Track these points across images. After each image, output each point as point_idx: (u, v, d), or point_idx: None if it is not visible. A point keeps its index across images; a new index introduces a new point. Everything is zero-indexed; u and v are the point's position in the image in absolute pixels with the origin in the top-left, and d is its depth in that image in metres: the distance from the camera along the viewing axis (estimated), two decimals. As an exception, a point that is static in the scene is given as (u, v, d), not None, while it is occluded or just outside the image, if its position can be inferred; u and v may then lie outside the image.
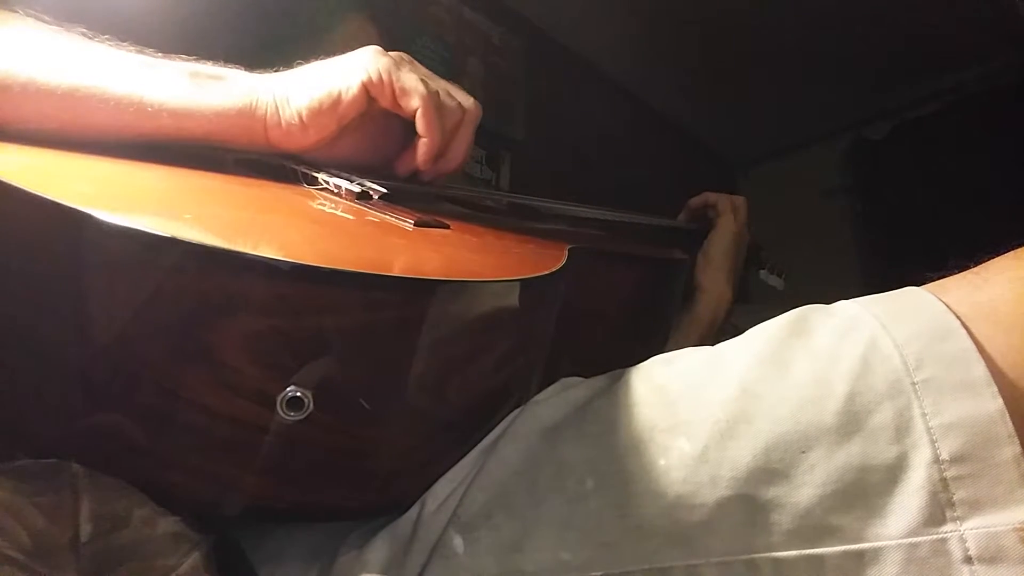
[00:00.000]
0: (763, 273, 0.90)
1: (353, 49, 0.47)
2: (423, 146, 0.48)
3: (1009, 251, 0.32)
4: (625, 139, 1.84)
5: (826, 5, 1.47)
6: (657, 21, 1.58)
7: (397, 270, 0.30)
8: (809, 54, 1.65)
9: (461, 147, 0.52)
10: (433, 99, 0.47)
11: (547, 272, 0.37)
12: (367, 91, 0.45)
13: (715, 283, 0.69)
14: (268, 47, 0.47)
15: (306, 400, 0.27)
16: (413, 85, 0.46)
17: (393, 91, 0.46)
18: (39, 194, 0.26)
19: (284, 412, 0.27)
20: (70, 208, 0.25)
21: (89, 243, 0.26)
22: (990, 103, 1.66)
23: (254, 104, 0.43)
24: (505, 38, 1.50)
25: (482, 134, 0.52)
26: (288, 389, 0.27)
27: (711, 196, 0.80)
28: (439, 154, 0.50)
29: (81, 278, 0.26)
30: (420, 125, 0.47)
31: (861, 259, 1.91)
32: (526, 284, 0.34)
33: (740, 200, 0.78)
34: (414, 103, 0.46)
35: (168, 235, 0.25)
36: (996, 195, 1.52)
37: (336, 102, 0.44)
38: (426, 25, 1.32)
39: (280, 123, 0.43)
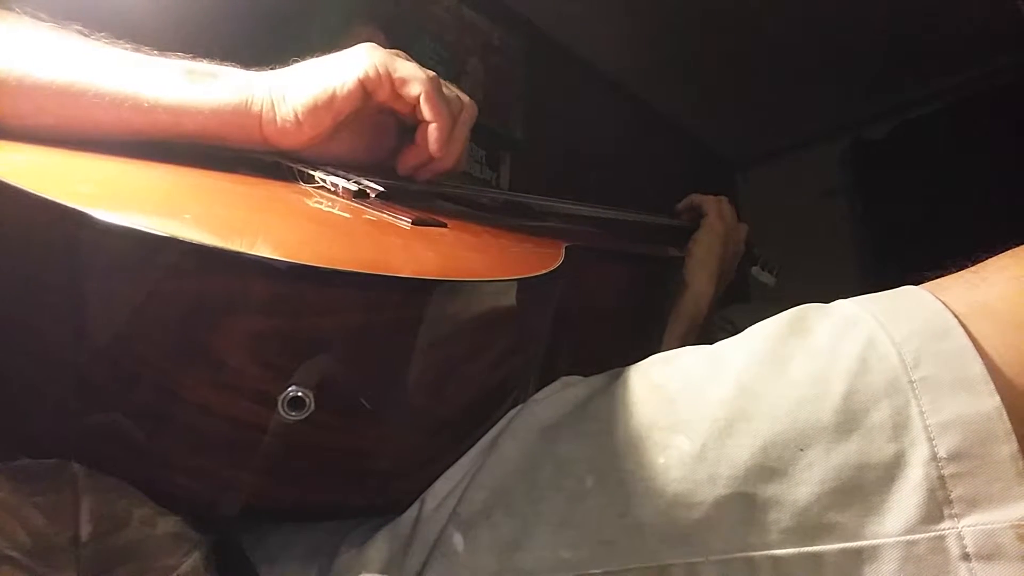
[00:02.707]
0: (755, 270, 0.90)
1: None
2: (434, 131, 0.47)
3: (1007, 250, 0.32)
4: (625, 139, 1.84)
5: (826, 5, 1.47)
6: (657, 21, 1.58)
7: (395, 270, 0.30)
8: (809, 54, 1.65)
9: (460, 141, 0.51)
10: (434, 83, 0.47)
11: (544, 271, 0.37)
12: (363, 87, 0.45)
13: (697, 280, 0.70)
14: (273, 55, 0.47)
15: (307, 400, 0.27)
16: (412, 73, 0.46)
17: (392, 82, 0.46)
18: (39, 194, 0.26)
19: (285, 412, 0.27)
20: (69, 208, 0.25)
21: (88, 243, 0.26)
22: (990, 103, 1.66)
23: (249, 101, 0.43)
24: (505, 38, 1.50)
25: (482, 134, 0.52)
26: (289, 389, 0.27)
27: (696, 198, 0.80)
28: (449, 139, 0.49)
29: (80, 278, 0.27)
30: (426, 110, 0.47)
31: (861, 259, 1.91)
32: (524, 283, 0.34)
33: (724, 200, 0.79)
34: (415, 89, 0.46)
35: (167, 235, 0.25)
36: (995, 195, 1.52)
37: (331, 99, 0.44)
38: (426, 25, 1.32)
39: (275, 120, 0.43)
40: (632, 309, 0.60)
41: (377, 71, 0.45)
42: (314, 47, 0.47)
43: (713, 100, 1.88)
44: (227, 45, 0.46)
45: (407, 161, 0.52)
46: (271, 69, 0.46)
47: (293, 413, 0.27)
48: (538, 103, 1.56)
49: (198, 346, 0.26)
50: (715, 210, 0.76)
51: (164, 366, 0.27)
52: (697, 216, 0.79)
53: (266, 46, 0.48)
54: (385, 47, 0.48)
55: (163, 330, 0.27)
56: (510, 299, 0.34)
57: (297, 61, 0.46)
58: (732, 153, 2.23)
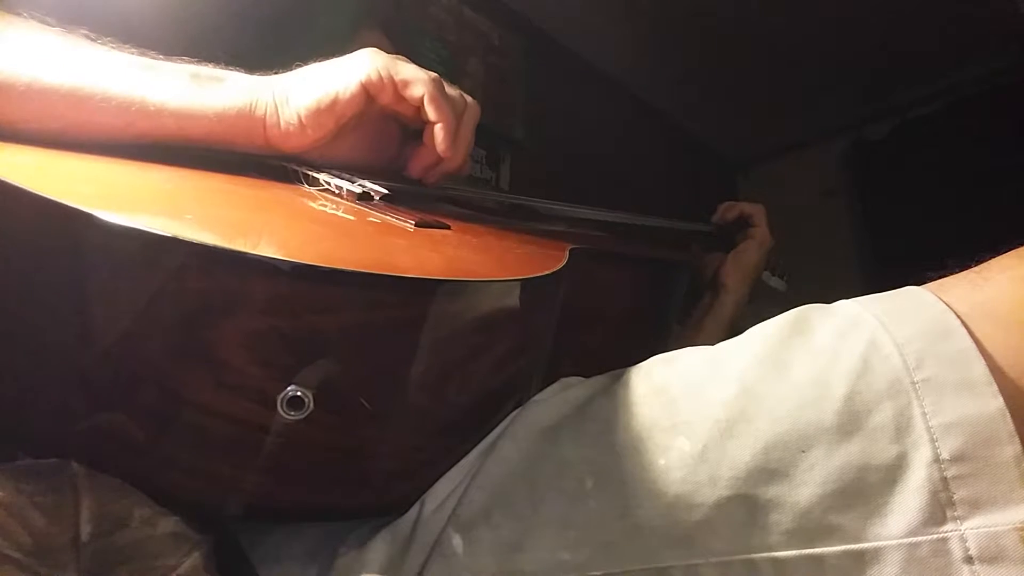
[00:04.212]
0: (766, 274, 0.90)
1: None
2: (440, 131, 0.47)
3: (1010, 250, 0.32)
4: (625, 139, 1.84)
5: (826, 5, 1.47)
6: (657, 21, 1.58)
7: (398, 270, 0.30)
8: (809, 54, 1.65)
9: (465, 139, 0.51)
10: (437, 84, 0.47)
11: (547, 272, 0.37)
12: (365, 91, 0.45)
13: (741, 286, 0.72)
14: (278, 60, 0.47)
15: (307, 400, 0.27)
16: (414, 75, 0.46)
17: (395, 85, 0.46)
18: (41, 194, 0.26)
19: (285, 412, 0.27)
20: (72, 208, 0.25)
21: (91, 243, 0.26)
22: (990, 103, 1.66)
23: (254, 105, 0.43)
24: (505, 38, 1.51)
25: (482, 134, 0.52)
26: (289, 388, 0.27)
27: (746, 207, 0.81)
28: (455, 138, 0.49)
29: (83, 278, 0.26)
30: (431, 110, 0.47)
31: (861, 259, 1.91)
32: (526, 284, 0.34)
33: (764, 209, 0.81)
34: (418, 91, 0.46)
35: (169, 235, 0.25)
36: (996, 195, 1.53)
37: (334, 102, 0.44)
38: (426, 25, 1.32)
39: (279, 123, 0.44)
40: (636, 311, 0.60)
41: (379, 74, 0.45)
42: (319, 52, 0.47)
43: (713, 100, 1.88)
44: (232, 50, 0.46)
45: (417, 163, 0.52)
46: (275, 73, 0.46)
47: (292, 413, 0.27)
48: (538, 103, 1.56)
49: (200, 346, 0.26)
50: (763, 220, 0.78)
51: (165, 366, 0.27)
52: (743, 224, 0.80)
53: (271, 51, 0.48)
54: (389, 52, 0.48)
55: (165, 330, 0.27)
56: (513, 300, 0.34)
57: (300, 65, 0.46)
58: (732, 153, 2.23)
